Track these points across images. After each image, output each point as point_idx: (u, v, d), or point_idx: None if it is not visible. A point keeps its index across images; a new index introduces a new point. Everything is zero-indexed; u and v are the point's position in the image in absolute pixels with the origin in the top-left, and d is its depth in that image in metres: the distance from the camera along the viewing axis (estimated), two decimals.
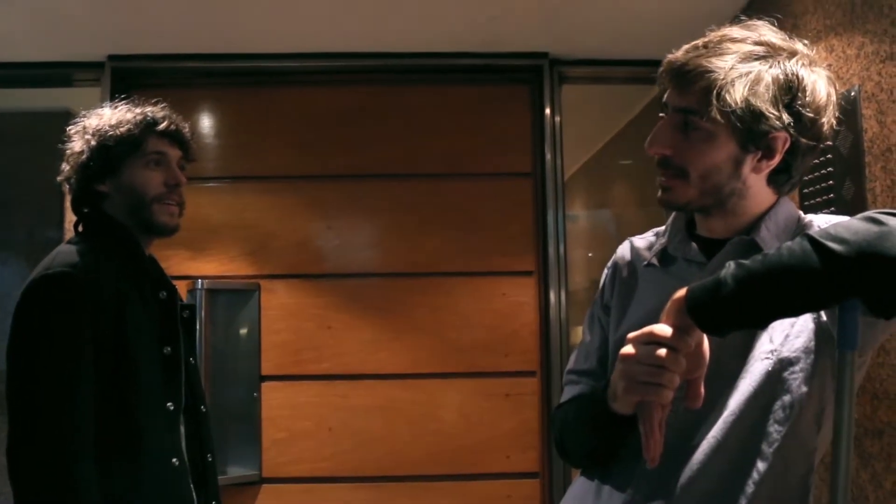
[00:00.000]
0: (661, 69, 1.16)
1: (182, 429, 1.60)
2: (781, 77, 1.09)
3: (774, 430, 1.07)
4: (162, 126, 1.64)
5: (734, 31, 1.13)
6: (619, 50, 2.92)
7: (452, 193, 2.96)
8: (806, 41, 1.16)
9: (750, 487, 1.06)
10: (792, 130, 1.09)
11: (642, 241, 1.30)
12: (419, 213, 2.95)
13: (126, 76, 2.90)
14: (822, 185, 2.03)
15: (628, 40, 2.82)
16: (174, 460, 1.53)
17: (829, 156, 1.99)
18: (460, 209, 2.95)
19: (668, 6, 2.53)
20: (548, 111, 2.97)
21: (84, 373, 1.44)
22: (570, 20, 2.69)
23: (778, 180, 1.16)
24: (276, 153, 2.97)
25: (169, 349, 1.57)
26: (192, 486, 1.58)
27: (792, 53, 1.11)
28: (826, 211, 1.99)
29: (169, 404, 1.55)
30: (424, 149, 2.98)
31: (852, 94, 1.90)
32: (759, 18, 1.18)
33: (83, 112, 1.71)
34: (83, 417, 1.42)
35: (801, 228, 1.15)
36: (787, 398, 1.07)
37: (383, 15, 2.63)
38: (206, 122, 2.98)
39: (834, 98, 1.13)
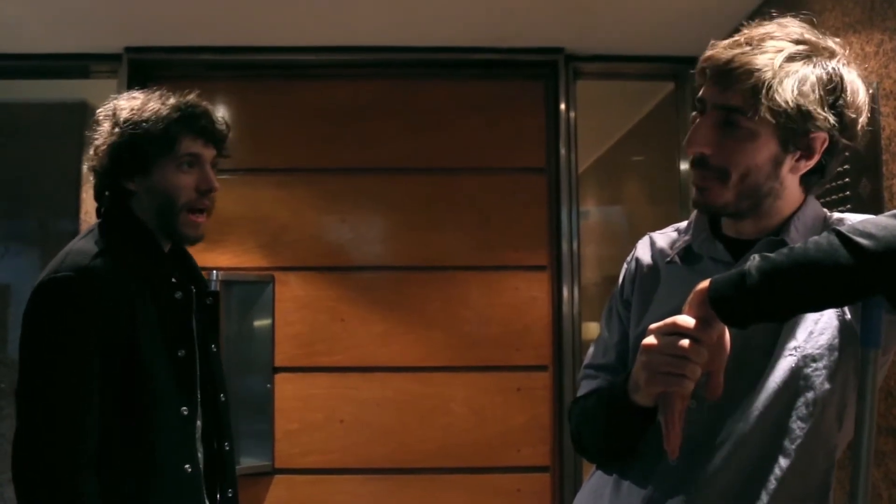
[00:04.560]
0: (700, 65, 1.15)
1: (199, 426, 1.55)
2: (825, 77, 1.08)
3: (797, 426, 1.07)
4: (197, 125, 1.54)
5: (774, 29, 1.12)
6: (635, 46, 2.92)
7: (466, 188, 2.97)
8: (838, 40, 1.15)
9: (772, 483, 1.06)
10: (834, 130, 1.09)
11: (663, 236, 1.30)
12: (433, 208, 2.96)
13: (143, 68, 2.91)
14: (839, 182, 2.02)
15: (644, 36, 2.82)
16: (187, 467, 1.48)
17: (846, 153, 1.98)
18: (474, 204, 2.96)
19: (682, 3, 2.53)
20: (563, 107, 2.97)
21: (90, 381, 1.39)
22: (585, 16, 2.68)
23: (811, 180, 1.16)
24: (291, 146, 2.98)
25: (183, 352, 1.51)
26: (204, 493, 1.54)
27: (832, 53, 1.11)
28: (842, 209, 1.99)
29: (183, 409, 1.48)
30: (439, 143, 2.98)
31: (870, 91, 1.89)
32: (783, 15, 1.17)
33: (113, 96, 1.60)
34: (88, 427, 1.38)
35: (827, 226, 1.14)
36: (810, 395, 1.07)
37: (399, 9, 2.63)
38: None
39: (867, 101, 1.13)
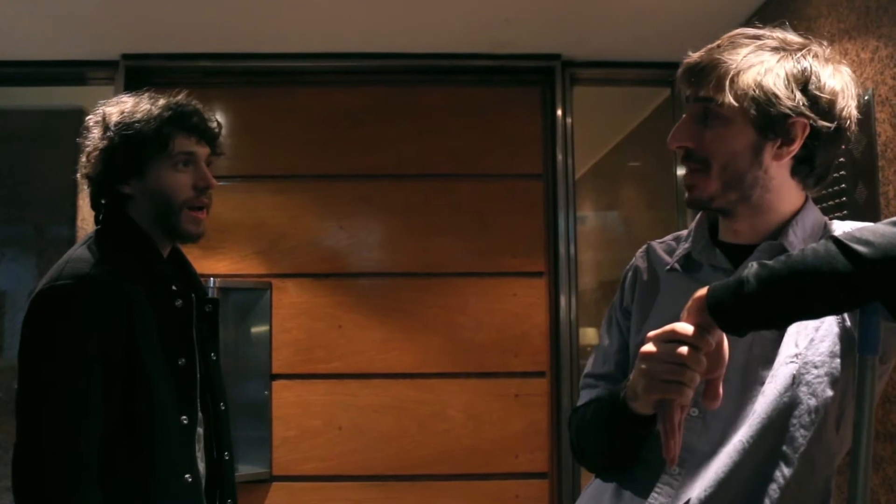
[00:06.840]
0: (679, 71, 1.18)
1: (200, 434, 1.54)
2: (791, 62, 1.11)
3: (800, 434, 1.07)
4: (189, 122, 1.53)
5: (748, 30, 1.16)
6: (631, 52, 2.92)
7: (464, 194, 2.97)
8: (824, 42, 1.17)
9: (775, 492, 1.06)
10: (809, 113, 1.10)
11: (662, 245, 1.30)
12: (430, 214, 2.96)
13: (140, 75, 2.90)
14: (835, 188, 2.03)
15: (640, 42, 2.82)
16: (187, 476, 1.47)
17: (842, 159, 1.99)
18: (471, 210, 2.96)
19: (679, 9, 2.54)
20: (559, 113, 2.97)
21: (90, 389, 1.38)
22: (582, 22, 2.69)
23: (801, 171, 1.16)
24: (289, 152, 2.98)
25: (183, 360, 1.49)
26: (205, 502, 1.53)
27: (803, 47, 1.14)
28: (839, 215, 1.99)
29: (183, 418, 1.47)
30: (436, 149, 2.99)
31: (866, 97, 1.90)
32: (774, 23, 1.19)
33: (101, 101, 1.57)
34: (88, 436, 1.37)
35: (827, 233, 1.15)
36: (812, 402, 1.07)
37: (396, 15, 2.64)
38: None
39: (851, 90, 1.14)
